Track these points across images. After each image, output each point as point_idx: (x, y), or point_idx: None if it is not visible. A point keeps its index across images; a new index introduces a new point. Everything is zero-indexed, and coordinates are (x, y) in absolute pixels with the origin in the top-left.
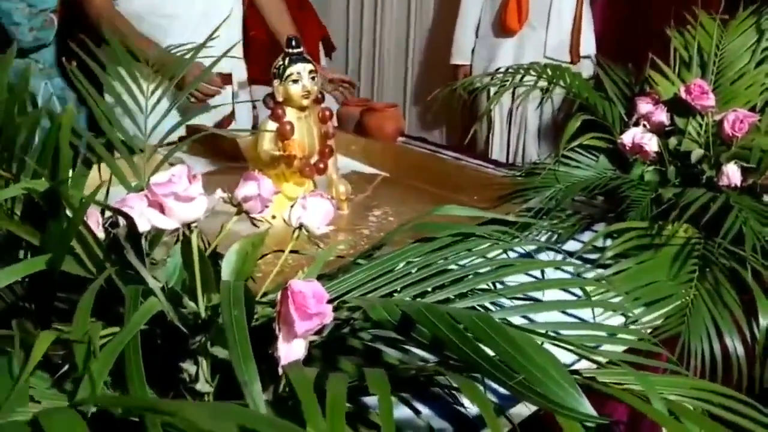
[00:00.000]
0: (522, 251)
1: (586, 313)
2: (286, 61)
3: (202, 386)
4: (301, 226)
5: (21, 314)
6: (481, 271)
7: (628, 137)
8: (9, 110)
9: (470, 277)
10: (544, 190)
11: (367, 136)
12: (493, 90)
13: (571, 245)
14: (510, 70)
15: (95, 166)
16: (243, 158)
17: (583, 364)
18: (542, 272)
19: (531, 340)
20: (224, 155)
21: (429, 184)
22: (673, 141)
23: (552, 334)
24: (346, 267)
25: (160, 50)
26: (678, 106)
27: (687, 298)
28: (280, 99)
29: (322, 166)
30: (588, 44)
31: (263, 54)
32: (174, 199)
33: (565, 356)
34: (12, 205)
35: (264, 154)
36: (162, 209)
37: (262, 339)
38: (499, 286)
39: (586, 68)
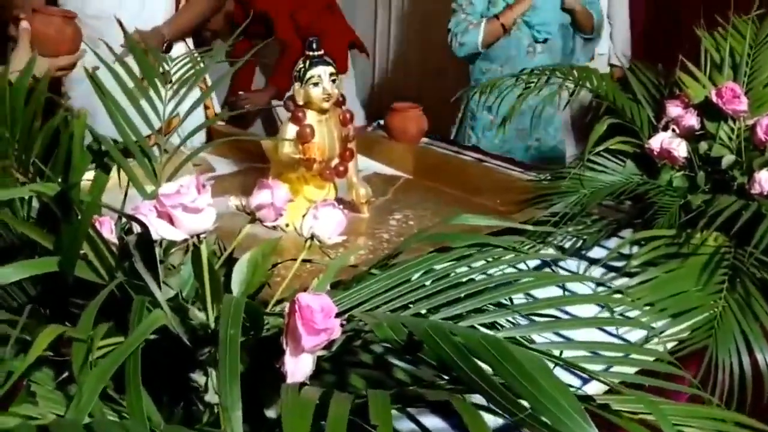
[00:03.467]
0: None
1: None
2: (307, 64)
3: (211, 397)
4: (312, 236)
5: (34, 316)
6: (499, 285)
7: (656, 142)
8: (27, 114)
9: (486, 291)
10: (569, 195)
11: (389, 137)
12: (517, 91)
13: (596, 252)
14: (536, 71)
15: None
16: (266, 159)
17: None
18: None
19: (541, 363)
20: (247, 155)
21: (451, 186)
22: (703, 146)
23: (565, 356)
24: (361, 276)
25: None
26: (709, 110)
27: (715, 309)
28: (300, 102)
29: (342, 169)
30: (603, 42)
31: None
32: (182, 210)
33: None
34: (29, 209)
35: (284, 157)
36: (171, 220)
37: (271, 350)
38: (519, 297)
39: (601, 66)
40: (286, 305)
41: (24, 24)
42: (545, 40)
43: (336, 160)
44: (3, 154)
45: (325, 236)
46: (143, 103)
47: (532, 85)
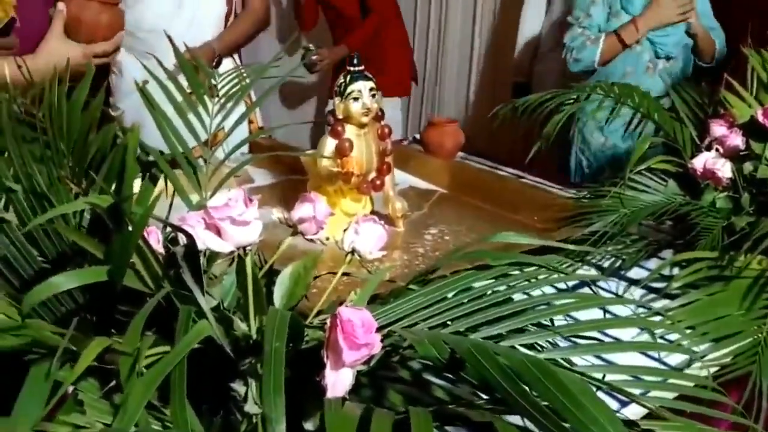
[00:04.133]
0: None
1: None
2: (347, 79)
3: (251, 407)
4: (353, 251)
5: (80, 323)
6: (538, 306)
7: (699, 162)
8: (83, 126)
9: (527, 311)
10: (609, 214)
11: (426, 151)
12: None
13: (636, 272)
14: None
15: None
16: (303, 171)
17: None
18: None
19: (585, 386)
20: (285, 167)
21: (487, 202)
22: (748, 167)
23: (607, 380)
24: (399, 291)
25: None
26: (754, 130)
27: (759, 335)
28: (340, 116)
29: (379, 182)
30: None
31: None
32: (230, 222)
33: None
34: (80, 219)
35: (323, 170)
36: (218, 232)
37: (311, 363)
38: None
39: None
40: (325, 318)
41: (60, 5)
42: (668, 58)
43: (373, 174)
44: (58, 164)
45: (365, 251)
46: (190, 116)
47: (572, 101)
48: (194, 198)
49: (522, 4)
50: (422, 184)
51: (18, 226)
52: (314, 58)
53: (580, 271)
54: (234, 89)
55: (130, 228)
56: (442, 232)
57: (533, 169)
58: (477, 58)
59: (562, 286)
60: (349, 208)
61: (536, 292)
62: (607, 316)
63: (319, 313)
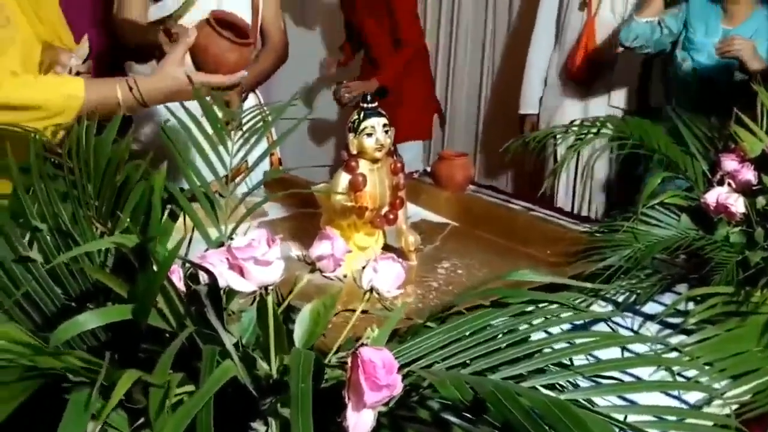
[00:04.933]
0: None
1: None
2: (361, 115)
3: None
4: (372, 289)
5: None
6: (557, 346)
7: (711, 196)
8: (110, 167)
9: (545, 350)
10: (623, 249)
11: (436, 184)
12: (566, 141)
13: (651, 307)
14: (586, 123)
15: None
16: (316, 204)
17: None
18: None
19: (608, 428)
20: (298, 201)
21: (499, 235)
22: (761, 201)
23: (630, 420)
24: (416, 329)
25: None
26: (766, 164)
27: None
28: (354, 151)
29: (392, 217)
30: (656, 94)
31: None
32: (253, 262)
33: None
34: (105, 258)
35: (337, 205)
36: (241, 271)
37: (330, 402)
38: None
39: None
40: (343, 356)
41: (190, 33)
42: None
43: (386, 208)
44: (83, 203)
45: (384, 289)
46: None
47: (583, 137)
48: (213, 233)
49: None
50: (434, 217)
51: (42, 264)
52: (345, 93)
53: (595, 307)
54: (256, 126)
55: (154, 267)
56: (454, 266)
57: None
58: (486, 89)
59: (577, 321)
60: (363, 242)
61: (553, 329)
62: (625, 353)
63: (338, 350)
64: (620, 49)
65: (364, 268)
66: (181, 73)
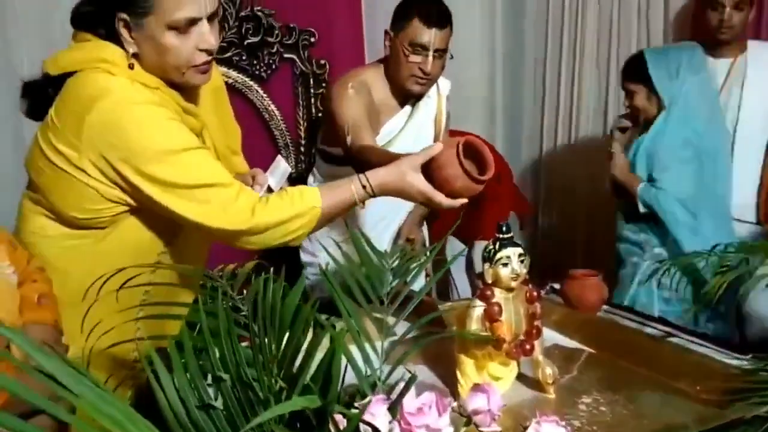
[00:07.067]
0: None
1: None
2: (497, 246)
3: None
4: None
5: None
6: None
7: None
8: (294, 330)
9: None
10: None
11: (567, 305)
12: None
13: None
14: (731, 249)
15: None
16: (443, 325)
17: None
18: None
19: None
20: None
21: (641, 365)
22: None
23: None
24: None
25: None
26: None
27: None
28: (489, 281)
29: (528, 347)
30: None
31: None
32: (425, 430)
33: None
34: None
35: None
36: None
37: None
38: None
39: None
40: None
41: (436, 147)
42: None
43: (521, 337)
44: (265, 358)
45: None
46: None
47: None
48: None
49: None
50: (567, 342)
51: (223, 412)
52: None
53: None
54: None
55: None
56: (596, 401)
57: None
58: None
59: None
60: (497, 372)
61: None
62: None
63: None
64: None
65: (526, 428)
66: (415, 179)
